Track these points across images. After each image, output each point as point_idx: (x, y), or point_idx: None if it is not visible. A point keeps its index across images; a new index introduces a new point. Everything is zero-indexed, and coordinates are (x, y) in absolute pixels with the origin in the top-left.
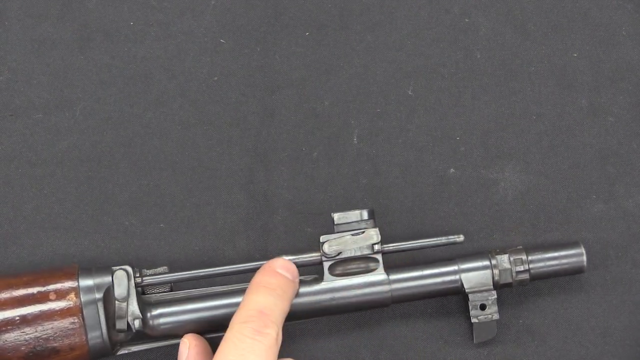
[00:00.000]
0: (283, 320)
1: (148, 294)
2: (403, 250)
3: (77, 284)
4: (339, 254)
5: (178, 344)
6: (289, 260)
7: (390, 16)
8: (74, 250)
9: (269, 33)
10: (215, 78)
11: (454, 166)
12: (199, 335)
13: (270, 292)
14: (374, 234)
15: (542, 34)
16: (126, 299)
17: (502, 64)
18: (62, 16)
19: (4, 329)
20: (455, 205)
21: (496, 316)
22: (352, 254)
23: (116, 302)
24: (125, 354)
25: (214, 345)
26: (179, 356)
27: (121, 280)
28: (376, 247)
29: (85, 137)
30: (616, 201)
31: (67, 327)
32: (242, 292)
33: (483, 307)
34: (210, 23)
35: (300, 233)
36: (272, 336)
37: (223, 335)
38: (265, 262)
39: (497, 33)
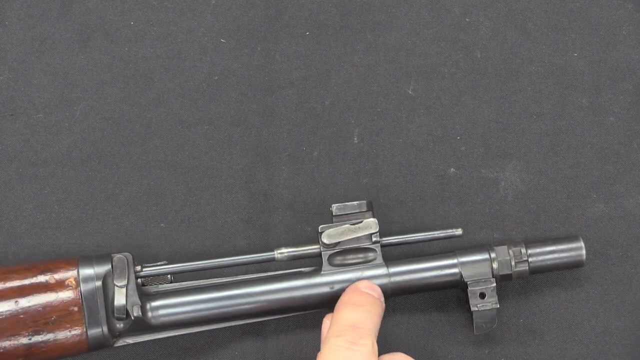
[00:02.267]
0: (376, 334)
1: (148, 286)
2: (402, 244)
3: (76, 269)
4: (337, 244)
5: (177, 336)
6: (370, 281)
7: (391, 16)
8: (75, 250)
9: (269, 32)
10: (216, 77)
11: (455, 166)
12: None
13: (358, 308)
14: (372, 224)
15: (542, 34)
16: (125, 285)
17: (502, 63)
18: (62, 16)
19: (2, 315)
20: (455, 204)
21: (496, 305)
22: (351, 245)
23: (115, 287)
24: (124, 345)
25: (219, 338)
26: (322, 336)
27: (120, 266)
28: (374, 237)
29: (86, 137)
30: (617, 201)
31: (66, 312)
32: (242, 284)
33: (482, 295)
34: (211, 22)
35: (300, 232)
36: (368, 345)
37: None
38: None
39: (497, 32)
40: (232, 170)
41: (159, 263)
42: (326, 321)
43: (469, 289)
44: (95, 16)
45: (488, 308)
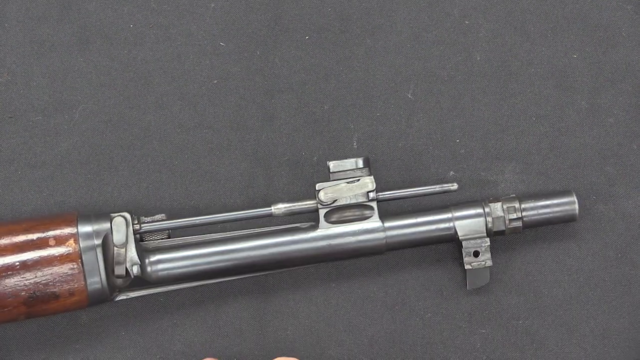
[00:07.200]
0: None
1: (146, 240)
2: (398, 198)
3: (76, 230)
4: (334, 201)
5: (175, 291)
6: None
7: (390, 19)
8: None
9: (268, 36)
10: (215, 81)
11: (454, 169)
12: None
13: None
14: (369, 182)
15: (541, 36)
16: (124, 245)
17: (501, 65)
18: (61, 18)
19: (3, 274)
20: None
21: (489, 263)
22: (348, 202)
23: (115, 248)
24: (124, 299)
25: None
26: None
27: (120, 227)
28: (371, 194)
29: (85, 140)
30: (615, 202)
31: (67, 272)
32: (240, 238)
33: (476, 254)
34: (210, 26)
35: None
36: None
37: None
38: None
39: (496, 35)
40: (231, 175)
41: (157, 217)
42: None
43: (463, 247)
44: (94, 19)
45: (481, 266)
